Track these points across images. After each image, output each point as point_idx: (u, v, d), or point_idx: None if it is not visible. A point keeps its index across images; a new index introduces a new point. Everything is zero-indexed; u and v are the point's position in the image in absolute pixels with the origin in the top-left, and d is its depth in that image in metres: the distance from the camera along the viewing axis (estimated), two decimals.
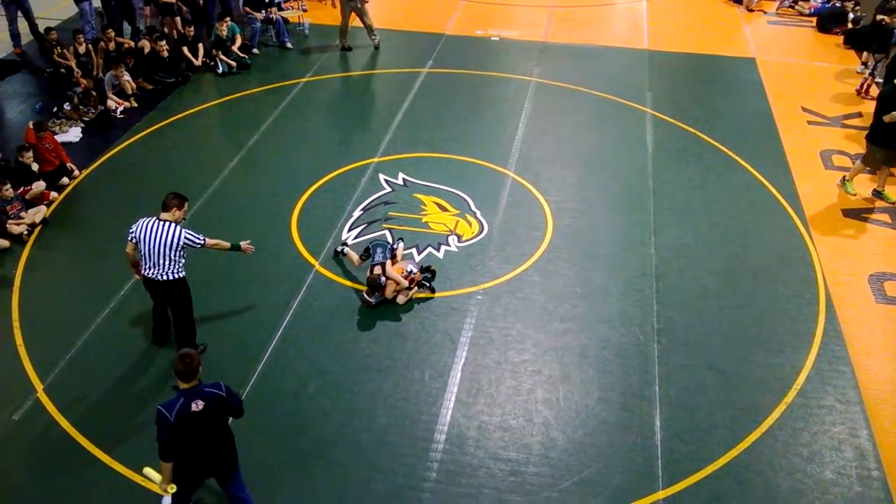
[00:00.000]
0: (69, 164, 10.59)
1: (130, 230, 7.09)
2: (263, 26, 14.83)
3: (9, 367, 7.59)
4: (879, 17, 13.50)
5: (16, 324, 8.13)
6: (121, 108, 12.39)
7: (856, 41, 15.10)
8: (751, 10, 17.13)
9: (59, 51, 13.39)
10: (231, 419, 5.66)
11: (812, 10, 16.73)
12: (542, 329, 8.18)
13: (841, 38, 15.59)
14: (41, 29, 14.24)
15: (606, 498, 6.43)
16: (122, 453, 6.69)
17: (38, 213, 9.71)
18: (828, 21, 15.99)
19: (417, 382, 7.49)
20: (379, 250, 8.47)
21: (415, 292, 8.50)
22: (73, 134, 11.70)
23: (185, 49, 13.75)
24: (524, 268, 9.04)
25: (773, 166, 11.15)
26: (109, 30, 13.57)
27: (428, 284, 8.59)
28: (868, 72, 13.45)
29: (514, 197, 10.33)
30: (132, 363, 7.57)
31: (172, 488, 5.54)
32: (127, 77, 12.67)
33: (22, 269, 8.94)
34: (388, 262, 8.36)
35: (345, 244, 9.08)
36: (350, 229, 9.60)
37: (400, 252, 8.86)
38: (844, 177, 10.58)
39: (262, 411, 7.13)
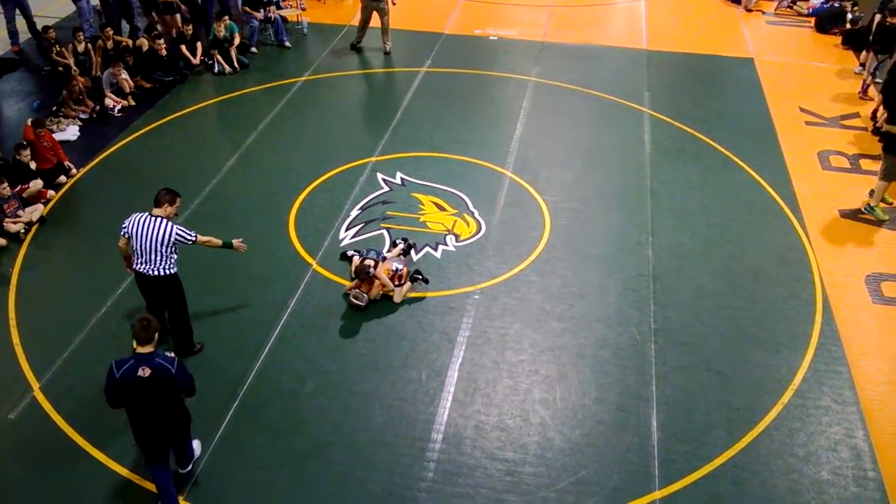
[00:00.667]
0: (67, 163, 10.58)
1: (123, 225, 7.11)
2: (262, 25, 14.81)
3: (5, 365, 7.58)
4: (884, 18, 13.42)
5: (12, 322, 8.12)
6: (119, 107, 12.37)
7: (854, 41, 15.10)
8: (749, 10, 17.14)
9: (58, 49, 13.38)
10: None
11: (810, 10, 16.73)
12: (540, 329, 8.18)
13: (839, 39, 15.59)
14: (39, 27, 14.22)
15: (603, 498, 6.43)
16: (118, 451, 6.69)
17: (36, 211, 9.70)
18: (826, 21, 16.00)
19: (414, 382, 7.49)
20: (372, 252, 8.52)
21: (408, 289, 8.49)
22: (71, 132, 11.69)
23: (184, 47, 13.73)
24: (522, 267, 9.04)
25: (770, 167, 11.16)
26: (108, 28, 13.55)
27: (420, 277, 8.61)
28: (867, 72, 13.44)
29: (512, 197, 10.33)
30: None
31: None
32: (125, 75, 12.66)
33: (19, 267, 8.93)
34: (380, 263, 8.37)
35: (356, 252, 8.99)
36: (347, 228, 9.60)
37: (394, 252, 8.88)
38: (870, 203, 10.13)
39: (260, 410, 7.14)
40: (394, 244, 9.14)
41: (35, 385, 7.35)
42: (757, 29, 16.30)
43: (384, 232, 9.55)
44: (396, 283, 8.40)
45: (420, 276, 8.63)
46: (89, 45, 13.50)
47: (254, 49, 14.51)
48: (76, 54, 13.41)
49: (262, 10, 14.54)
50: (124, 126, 11.97)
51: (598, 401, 7.35)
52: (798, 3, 17.18)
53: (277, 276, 8.78)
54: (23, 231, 9.39)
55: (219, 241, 7.44)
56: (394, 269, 8.45)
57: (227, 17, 13.87)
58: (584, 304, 8.52)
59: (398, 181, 10.59)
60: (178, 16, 14.71)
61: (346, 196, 10.22)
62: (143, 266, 7.03)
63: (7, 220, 9.30)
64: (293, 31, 15.44)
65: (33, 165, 10.16)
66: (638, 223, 9.85)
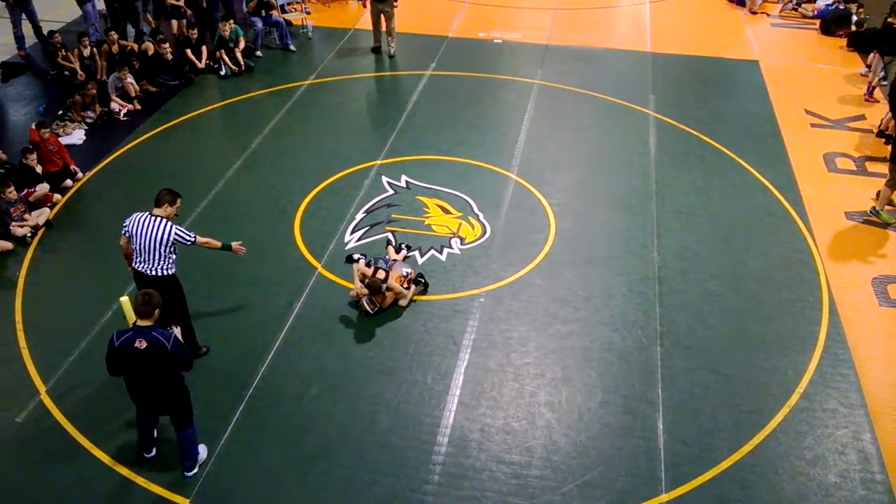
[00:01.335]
0: (73, 167, 10.61)
1: (124, 223, 7.15)
2: (266, 28, 14.85)
3: (12, 368, 7.61)
4: (890, 20, 13.39)
5: (19, 326, 8.14)
6: (124, 111, 12.41)
7: (860, 44, 15.08)
8: (754, 13, 17.13)
9: (64, 53, 13.43)
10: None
11: (815, 12, 16.72)
12: (545, 332, 8.17)
13: (844, 41, 15.57)
14: (45, 31, 14.28)
15: (609, 501, 6.42)
16: (125, 455, 6.70)
17: (42, 215, 9.74)
18: (831, 23, 15.98)
19: (420, 385, 7.49)
20: (381, 262, 8.49)
21: (414, 292, 8.50)
22: (77, 136, 11.73)
23: (189, 51, 13.78)
24: (527, 270, 9.03)
25: (776, 169, 11.14)
26: (112, 32, 13.60)
27: (423, 281, 8.62)
28: (873, 74, 13.42)
29: (517, 199, 10.33)
30: None
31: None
32: (130, 79, 12.70)
33: (25, 271, 8.96)
34: (389, 273, 8.35)
35: (363, 255, 9.00)
36: (353, 231, 9.61)
37: (399, 256, 8.89)
38: (874, 207, 10.12)
39: (265, 413, 7.14)
40: (398, 249, 9.12)
41: (42, 388, 7.37)
42: (762, 31, 16.29)
43: (389, 235, 9.55)
44: (405, 286, 8.41)
45: (422, 280, 8.63)
46: (95, 49, 13.55)
47: (258, 53, 14.55)
48: (82, 59, 13.46)
49: (259, 17, 14.54)
50: (130, 130, 12.01)
51: (603, 404, 7.34)
52: (803, 5, 17.18)
53: (283, 279, 8.79)
54: (29, 235, 9.42)
55: (218, 243, 7.43)
56: (404, 274, 8.45)
57: (231, 20, 13.91)
58: (589, 307, 8.51)
59: (403, 184, 10.60)
60: (183, 21, 14.77)
61: (351, 199, 10.23)
62: (142, 265, 7.07)
63: (13, 223, 9.33)
64: (298, 34, 15.48)
65: (39, 169, 10.19)
66: (643, 226, 9.84)
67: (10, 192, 9.37)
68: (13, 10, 14.08)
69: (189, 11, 15.12)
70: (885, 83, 13.12)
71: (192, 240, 7.11)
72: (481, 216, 9.94)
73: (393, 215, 9.94)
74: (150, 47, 13.45)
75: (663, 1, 17.85)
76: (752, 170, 11.11)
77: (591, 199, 10.43)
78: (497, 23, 16.38)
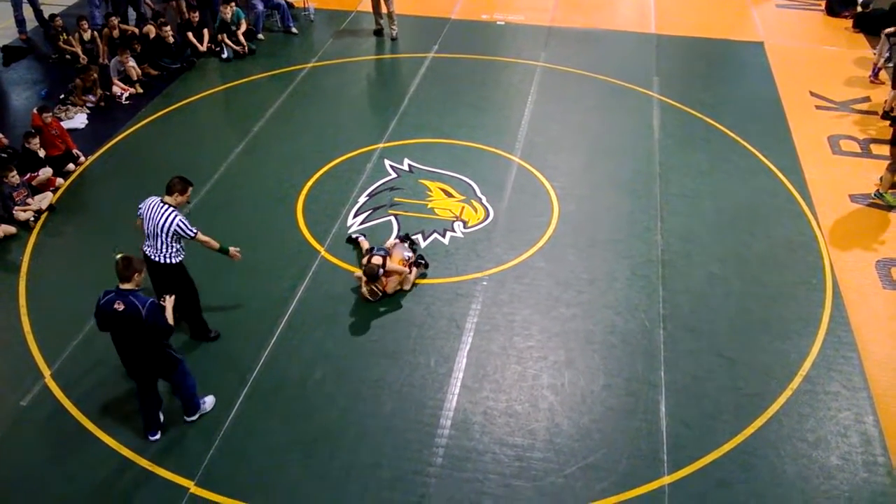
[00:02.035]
0: (75, 151, 10.60)
1: (140, 205, 7.20)
2: (267, 11, 14.77)
3: (16, 353, 7.64)
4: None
5: (23, 310, 8.17)
6: (126, 95, 12.38)
7: (866, 25, 14.95)
8: None
9: (65, 37, 13.38)
10: None
11: None
12: (548, 315, 8.18)
13: (850, 22, 15.44)
14: (46, 15, 14.22)
15: (612, 483, 6.45)
16: (129, 437, 6.74)
17: (45, 199, 9.74)
18: (837, 5, 15.83)
19: (423, 368, 7.50)
20: (381, 251, 8.43)
21: (415, 275, 8.49)
22: (79, 120, 11.70)
23: (191, 34, 13.72)
24: (530, 254, 9.03)
25: (780, 151, 11.08)
26: (113, 17, 13.53)
27: (423, 262, 8.63)
28: (879, 55, 13.31)
29: (520, 183, 10.30)
30: None
31: None
32: (132, 63, 12.66)
33: (29, 255, 8.98)
34: (388, 258, 8.30)
35: (363, 235, 9.00)
36: (355, 215, 9.60)
37: (393, 244, 8.82)
38: (878, 190, 10.05)
39: (269, 396, 7.17)
40: (403, 239, 9.03)
41: (46, 372, 7.40)
42: (767, 12, 16.15)
43: (392, 219, 9.54)
44: (407, 269, 8.41)
45: (423, 261, 8.64)
46: (96, 32, 13.50)
47: (260, 35, 14.48)
48: (83, 42, 13.41)
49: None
50: (132, 114, 11.98)
51: (606, 386, 7.35)
52: None
53: (286, 263, 8.79)
54: (32, 219, 9.43)
55: (216, 244, 7.37)
56: (406, 257, 8.45)
57: (233, 3, 13.83)
58: (592, 290, 8.51)
59: (406, 168, 10.57)
60: (182, 2, 14.69)
61: (353, 183, 10.21)
62: (149, 250, 7.12)
63: (16, 208, 9.34)
64: (299, 16, 15.39)
65: (42, 153, 10.18)
66: (647, 209, 9.82)
67: (13, 177, 9.37)
68: None
69: None
70: (890, 65, 13.03)
71: (192, 235, 7.09)
72: (484, 199, 9.92)
73: (396, 199, 9.92)
74: (151, 31, 13.38)
75: None
76: (757, 152, 11.06)
77: (594, 181, 10.40)
78: (500, 4, 16.26)
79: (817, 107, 12.42)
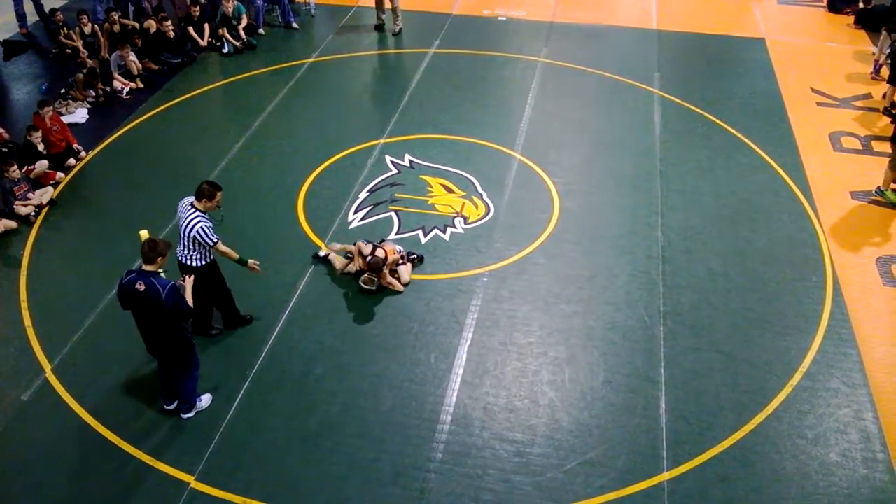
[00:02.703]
0: (75, 146, 10.60)
1: (179, 203, 7.18)
2: (268, 5, 14.75)
3: (17, 347, 7.65)
4: None
5: (24, 304, 8.18)
6: (127, 89, 12.37)
7: (868, 21, 14.93)
8: None
9: (66, 32, 13.37)
10: None
11: None
12: (548, 311, 8.18)
13: (852, 19, 15.41)
14: (47, 9, 14.20)
15: (611, 479, 6.46)
16: (130, 432, 6.76)
17: (46, 194, 9.74)
18: (838, 1, 15.80)
19: (423, 364, 7.51)
20: (369, 245, 8.41)
21: (410, 270, 8.49)
22: (80, 115, 11.70)
23: (191, 29, 13.70)
24: (530, 250, 9.03)
25: (781, 148, 11.08)
26: (113, 13, 13.50)
27: (416, 255, 8.67)
28: (880, 52, 13.27)
29: (521, 179, 10.30)
30: (140, 343, 7.54)
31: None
32: (133, 58, 12.65)
33: (30, 250, 8.98)
34: (384, 252, 8.30)
35: (326, 255, 8.82)
36: (356, 211, 9.60)
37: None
38: (879, 187, 10.05)
39: (270, 391, 7.18)
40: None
41: (47, 367, 7.41)
42: (768, 9, 16.12)
43: (393, 214, 9.54)
44: (401, 262, 8.42)
45: (415, 255, 8.65)
46: (96, 26, 13.48)
47: (261, 30, 14.47)
48: (83, 36, 13.40)
49: None
50: (133, 108, 11.97)
51: (606, 383, 7.36)
52: None
53: (287, 258, 8.80)
54: (33, 214, 9.43)
55: (235, 256, 7.31)
56: (398, 249, 8.46)
57: None
58: (592, 287, 8.51)
59: (407, 163, 10.57)
60: None
61: (354, 178, 10.21)
62: (178, 249, 7.09)
63: (17, 202, 9.34)
64: (300, 11, 15.37)
65: (41, 147, 10.18)
66: (647, 205, 9.81)
67: (14, 171, 9.37)
68: None
69: None
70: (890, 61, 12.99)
71: (212, 244, 7.01)
72: (485, 195, 9.92)
73: (396, 194, 9.92)
74: (152, 25, 13.38)
75: None
76: (758, 149, 11.05)
77: (595, 178, 10.39)
78: (501, 0, 16.24)
79: (819, 103, 12.41)
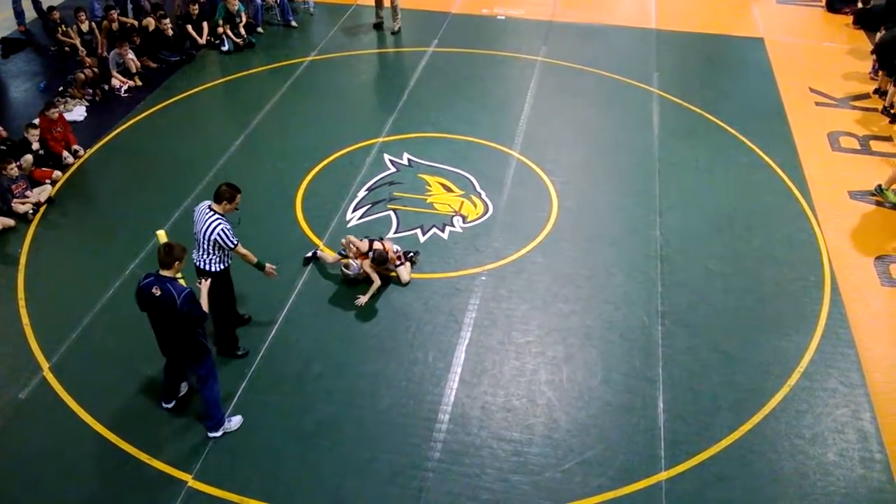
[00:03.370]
0: (74, 147, 10.57)
1: (195, 208, 7.09)
2: (266, 4, 14.74)
3: (15, 345, 7.64)
4: None
5: (21, 303, 8.17)
6: (125, 87, 12.35)
7: (866, 21, 14.93)
8: None
9: (63, 29, 13.34)
10: None
11: None
12: (546, 310, 8.18)
13: (850, 19, 15.41)
14: (45, 7, 14.17)
15: (609, 478, 6.46)
16: (128, 431, 6.75)
17: (44, 192, 9.73)
18: (837, 1, 15.81)
19: (421, 363, 7.51)
20: (376, 240, 8.43)
21: (409, 269, 8.50)
22: (78, 113, 11.68)
23: (190, 27, 13.68)
24: (528, 249, 9.03)
25: (780, 148, 11.08)
26: (112, 11, 13.48)
27: (412, 253, 8.68)
28: None
29: (520, 178, 10.29)
30: (138, 342, 7.58)
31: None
32: (131, 56, 12.63)
33: (27, 248, 8.97)
34: (384, 246, 8.32)
35: (314, 253, 8.83)
36: (354, 209, 9.60)
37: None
38: (881, 185, 9.99)
39: (267, 391, 7.18)
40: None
41: (45, 365, 7.40)
42: (767, 9, 16.11)
43: (391, 213, 9.54)
44: (398, 262, 8.41)
45: (412, 253, 8.67)
46: (94, 24, 13.46)
47: (260, 29, 14.44)
48: (81, 34, 13.37)
49: None
50: (131, 106, 11.96)
51: (604, 382, 7.36)
52: None
53: (285, 257, 8.77)
54: (31, 212, 9.42)
55: (254, 259, 7.22)
56: (395, 249, 8.44)
57: None
58: (591, 286, 8.51)
59: (405, 162, 10.56)
60: None
61: (352, 177, 10.20)
62: (194, 254, 7.03)
63: (15, 200, 9.33)
64: (299, 10, 15.35)
65: (36, 146, 10.17)
66: (646, 204, 9.81)
67: (12, 169, 9.36)
68: None
69: None
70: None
71: (233, 246, 6.94)
72: (483, 194, 9.92)
73: (395, 193, 9.91)
74: (150, 23, 13.35)
75: None
76: (756, 148, 11.05)
77: (593, 177, 10.39)
78: None
79: (817, 103, 12.41)
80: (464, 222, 9.44)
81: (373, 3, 14.58)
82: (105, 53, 13.00)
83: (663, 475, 6.51)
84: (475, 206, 9.73)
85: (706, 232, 9.37)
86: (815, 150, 11.11)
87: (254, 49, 13.82)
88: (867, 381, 7.42)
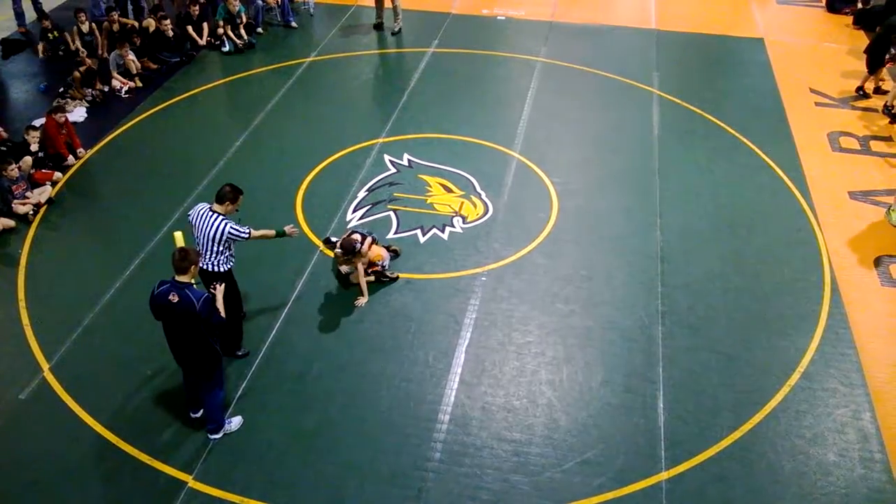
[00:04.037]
0: (79, 149, 10.58)
1: (189, 212, 7.07)
2: (266, 5, 14.74)
3: (15, 346, 7.64)
4: None
5: (22, 303, 8.17)
6: (125, 88, 12.36)
7: (866, 21, 14.93)
8: None
9: (54, 35, 13.30)
10: None
11: None
12: (547, 311, 8.18)
13: (850, 19, 15.41)
14: (46, 8, 14.17)
15: (609, 479, 6.46)
16: (128, 432, 6.75)
17: (44, 193, 9.73)
18: (837, 1, 15.81)
19: (421, 363, 7.51)
20: (371, 236, 8.41)
21: (384, 253, 8.41)
22: (78, 114, 11.68)
23: (190, 28, 13.69)
24: (529, 249, 9.03)
25: (780, 148, 11.08)
26: (113, 12, 13.49)
27: (388, 277, 8.47)
28: None
29: (520, 178, 10.30)
30: (138, 342, 7.61)
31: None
32: (132, 56, 12.64)
33: (28, 249, 8.98)
34: (367, 242, 8.17)
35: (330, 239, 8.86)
36: (355, 210, 9.60)
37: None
38: (890, 206, 9.77)
39: (267, 391, 7.18)
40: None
41: (45, 365, 7.40)
42: (767, 9, 16.12)
43: (391, 213, 9.54)
44: (382, 263, 8.36)
45: (388, 277, 8.46)
46: (94, 25, 13.46)
47: (260, 30, 14.45)
48: (81, 35, 13.37)
49: None
50: (131, 107, 11.96)
51: (604, 382, 7.36)
52: None
53: (285, 258, 8.79)
54: (31, 212, 9.42)
55: (272, 232, 7.29)
56: (385, 255, 8.38)
57: None
58: (591, 286, 8.51)
59: (405, 163, 10.56)
60: None
61: (353, 177, 10.20)
62: (200, 259, 7.00)
63: (16, 201, 9.34)
64: (299, 10, 15.36)
65: (35, 147, 10.17)
66: (646, 205, 9.82)
67: (12, 170, 9.36)
68: None
69: None
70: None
71: (247, 235, 6.96)
72: (484, 195, 9.92)
73: (395, 194, 9.91)
74: (151, 24, 13.36)
75: None
76: (756, 149, 11.05)
77: (594, 177, 10.39)
78: None
79: (817, 103, 12.41)
80: (464, 223, 9.44)
81: (373, 4, 14.59)
82: (105, 54, 13.01)
83: (663, 475, 6.51)
84: (475, 206, 9.73)
85: (706, 232, 9.37)
86: (815, 150, 11.11)
87: (254, 50, 13.83)
88: (867, 381, 7.42)
